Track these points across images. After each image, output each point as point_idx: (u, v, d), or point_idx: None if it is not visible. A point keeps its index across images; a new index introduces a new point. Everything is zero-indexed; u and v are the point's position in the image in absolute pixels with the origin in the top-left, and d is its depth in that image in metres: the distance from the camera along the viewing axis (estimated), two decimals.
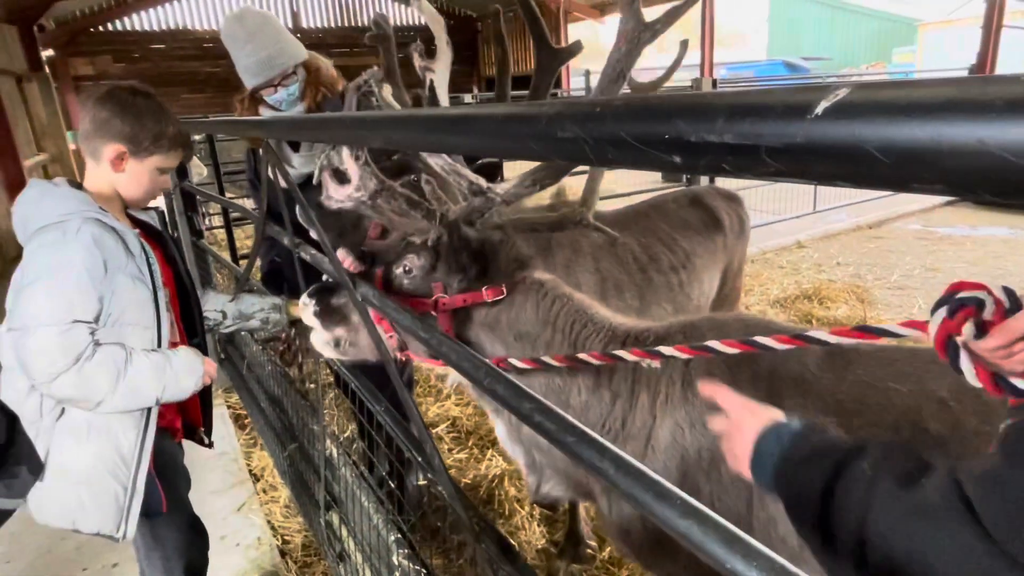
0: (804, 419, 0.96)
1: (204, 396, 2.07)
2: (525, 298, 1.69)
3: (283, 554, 2.84)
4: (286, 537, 2.97)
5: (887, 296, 5.80)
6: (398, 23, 20.40)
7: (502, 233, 1.74)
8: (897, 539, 0.67)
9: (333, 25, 19.76)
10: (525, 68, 20.03)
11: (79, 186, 1.73)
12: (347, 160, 1.55)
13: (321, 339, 1.79)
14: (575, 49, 1.83)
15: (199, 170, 7.50)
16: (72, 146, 12.12)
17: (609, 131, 0.55)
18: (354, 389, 1.97)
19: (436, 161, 1.67)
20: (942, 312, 0.81)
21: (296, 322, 2.38)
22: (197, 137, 5.99)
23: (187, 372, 1.72)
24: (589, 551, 2.78)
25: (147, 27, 17.95)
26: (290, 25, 18.25)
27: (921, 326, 0.86)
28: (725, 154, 0.46)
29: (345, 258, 1.70)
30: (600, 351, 1.57)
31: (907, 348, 1.43)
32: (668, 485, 0.70)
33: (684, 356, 1.25)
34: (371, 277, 1.71)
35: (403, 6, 20.37)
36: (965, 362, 0.79)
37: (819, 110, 0.40)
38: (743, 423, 1.01)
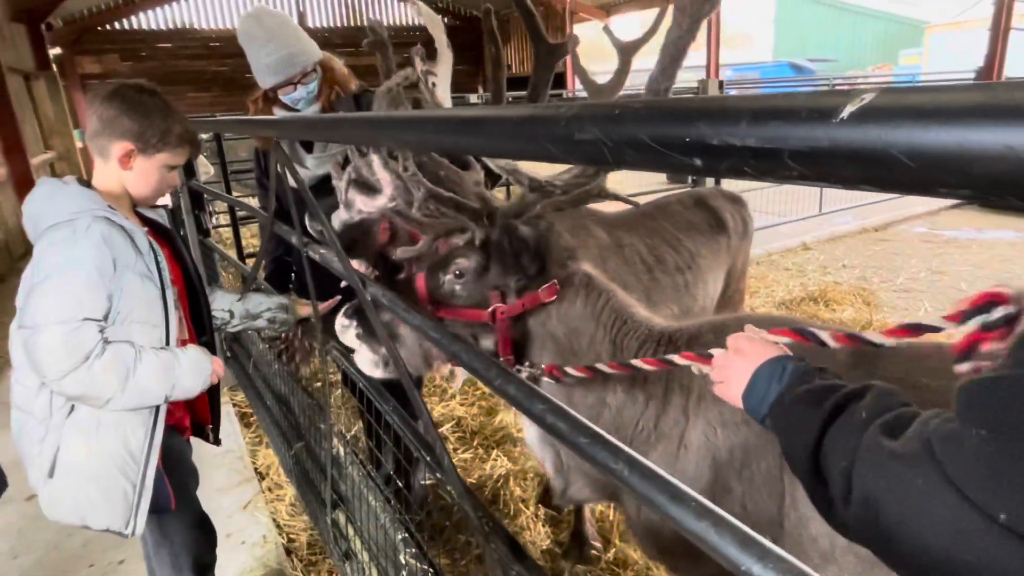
0: (806, 359, 0.96)
1: (212, 394, 2.08)
2: (576, 293, 1.65)
3: (288, 552, 2.84)
4: (291, 535, 2.98)
5: (893, 299, 5.78)
6: (403, 23, 20.46)
7: (546, 223, 1.66)
8: (875, 484, 0.68)
9: (338, 25, 19.80)
10: (529, 68, 19.98)
11: (88, 184, 1.74)
12: (379, 170, 1.50)
13: (368, 360, 1.73)
14: (572, 44, 1.79)
15: (205, 169, 7.54)
16: (79, 144, 12.19)
17: (629, 133, 0.55)
18: (362, 388, 1.98)
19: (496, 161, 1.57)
20: (978, 322, 0.85)
21: (303, 321, 2.39)
22: (204, 136, 6.01)
23: (195, 371, 1.73)
24: (594, 552, 2.78)
25: (154, 26, 18.01)
26: None
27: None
28: (748, 157, 0.46)
29: (359, 266, 1.68)
30: (637, 350, 1.56)
31: (935, 343, 1.40)
32: (682, 487, 0.70)
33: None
34: (409, 284, 1.65)
35: (409, 6, 20.39)
36: (967, 366, 0.85)
37: (845, 114, 0.40)
38: (743, 350, 1.01)
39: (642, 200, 3.42)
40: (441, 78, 2.14)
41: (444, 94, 2.18)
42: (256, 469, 3.46)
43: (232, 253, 4.63)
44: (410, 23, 20.49)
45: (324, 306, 2.29)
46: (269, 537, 2.88)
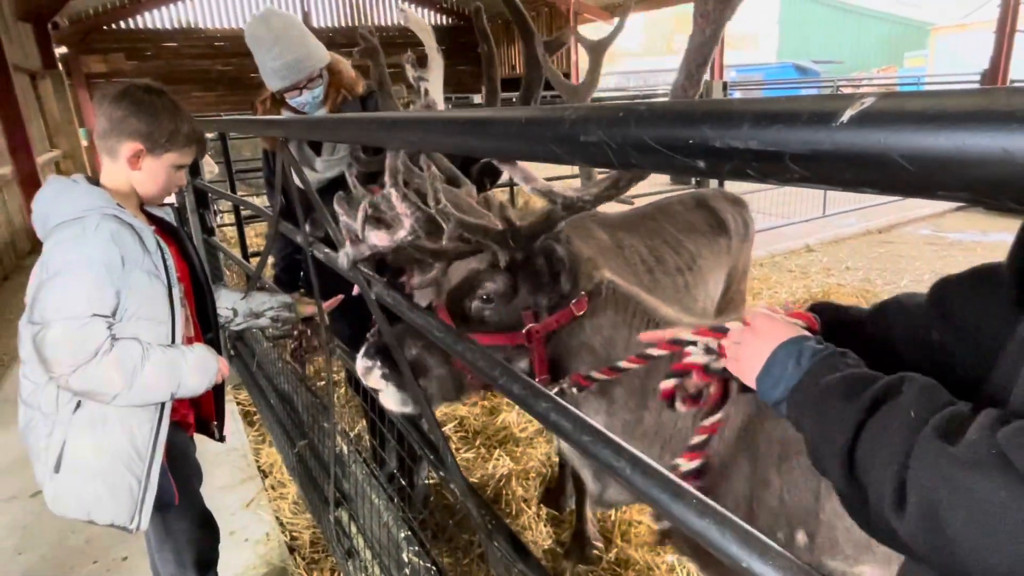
0: (826, 342, 0.90)
1: (217, 391, 2.09)
2: (606, 302, 1.63)
3: (291, 550, 2.85)
4: (294, 533, 2.99)
5: None
6: (403, 23, 20.45)
7: (565, 235, 1.63)
8: (939, 494, 0.62)
9: (343, 24, 19.84)
10: None
11: (97, 183, 1.76)
12: (398, 204, 1.47)
13: (396, 400, 1.67)
14: (563, 39, 1.77)
15: (210, 168, 7.57)
16: (84, 143, 12.24)
17: (633, 135, 0.56)
18: (365, 387, 1.98)
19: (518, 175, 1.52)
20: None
21: (307, 320, 2.40)
22: (210, 135, 6.03)
23: (201, 369, 1.74)
24: (596, 552, 2.79)
25: (159, 25, 18.07)
26: None
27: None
28: (750, 160, 0.47)
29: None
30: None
31: None
32: (684, 485, 0.71)
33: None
34: (429, 312, 1.58)
35: (413, 6, 20.46)
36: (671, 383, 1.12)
37: (845, 118, 0.41)
38: (759, 329, 0.94)
39: (646, 201, 3.44)
40: (433, 83, 2.15)
41: (437, 98, 2.18)
42: (259, 467, 3.48)
43: (236, 252, 4.65)
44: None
45: (328, 304, 2.30)
46: (272, 535, 2.89)
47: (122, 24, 17.51)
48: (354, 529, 2.43)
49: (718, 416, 1.13)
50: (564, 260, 1.55)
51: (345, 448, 2.42)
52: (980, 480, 0.59)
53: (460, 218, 1.43)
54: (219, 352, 1.94)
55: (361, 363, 1.68)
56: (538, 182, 1.30)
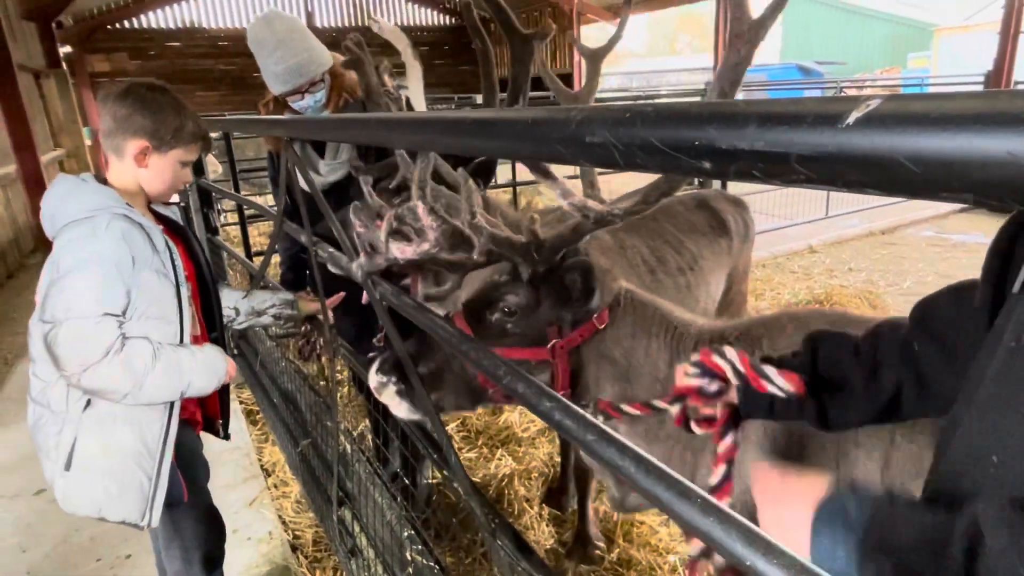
0: (863, 485, 0.85)
1: (222, 390, 2.10)
2: (624, 312, 1.64)
3: (294, 549, 2.86)
4: (297, 532, 3.00)
5: (899, 302, 5.77)
6: (412, 23, 20.51)
7: (583, 248, 1.62)
8: None
9: (347, 24, 19.85)
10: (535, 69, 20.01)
11: (105, 182, 1.77)
12: (424, 217, 1.46)
13: (406, 411, 1.64)
14: (546, 32, 1.75)
15: (214, 167, 7.58)
16: (87, 142, 12.27)
17: (639, 136, 0.56)
18: (369, 386, 1.99)
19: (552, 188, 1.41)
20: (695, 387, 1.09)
21: (310, 318, 2.41)
22: (214, 135, 6.04)
23: (210, 370, 1.76)
24: (598, 552, 2.79)
25: (163, 24, 18.10)
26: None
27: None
28: (755, 161, 0.47)
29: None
30: (692, 352, 1.56)
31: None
32: (688, 483, 0.71)
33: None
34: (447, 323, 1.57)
35: (416, 6, 20.48)
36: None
37: (851, 120, 0.41)
38: (781, 499, 0.83)
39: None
40: (414, 90, 2.16)
41: (419, 104, 2.19)
42: (262, 466, 3.49)
43: (240, 251, 4.67)
44: (418, 23, 20.57)
45: (330, 302, 2.31)
46: (275, 533, 2.90)
47: (126, 23, 17.55)
48: (357, 528, 2.44)
49: (728, 442, 1.09)
50: (596, 275, 1.53)
51: (348, 447, 2.42)
52: None
53: (492, 232, 1.42)
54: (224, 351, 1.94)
55: (375, 379, 1.64)
56: (575, 197, 1.30)
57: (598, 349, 1.62)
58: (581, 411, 0.90)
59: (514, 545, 1.23)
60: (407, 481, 2.14)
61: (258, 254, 4.93)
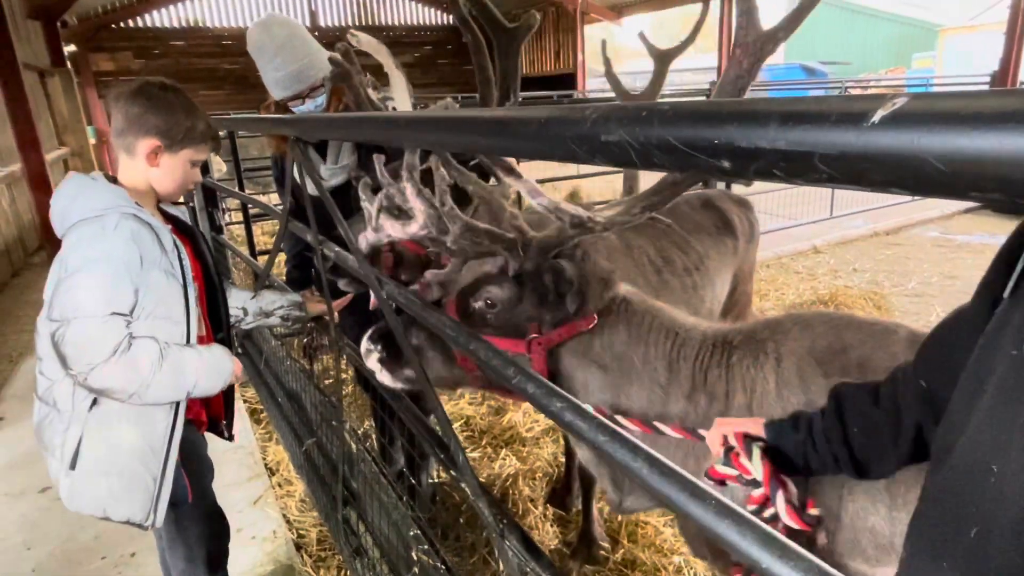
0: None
1: (227, 390, 2.10)
2: (617, 319, 1.63)
3: (298, 548, 2.86)
4: (301, 531, 3.00)
5: (904, 303, 5.75)
6: (414, 23, 20.53)
7: (582, 251, 1.64)
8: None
9: (351, 24, 19.86)
10: (539, 69, 20.06)
11: (115, 181, 1.77)
12: (412, 199, 1.48)
13: (388, 378, 1.73)
14: (531, 22, 1.74)
15: (218, 166, 7.60)
16: (92, 140, 12.30)
17: (656, 135, 0.56)
18: (375, 385, 1.99)
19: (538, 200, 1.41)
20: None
21: (317, 319, 2.40)
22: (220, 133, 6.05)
23: (217, 370, 1.76)
24: (602, 552, 2.79)
25: (167, 24, 18.15)
26: (307, 24, 18.37)
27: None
28: (777, 160, 0.47)
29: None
30: (695, 357, 1.56)
31: None
32: (702, 485, 0.71)
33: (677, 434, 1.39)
34: (440, 307, 1.63)
35: (419, 5, 20.49)
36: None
37: (876, 118, 0.41)
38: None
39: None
40: (399, 99, 2.16)
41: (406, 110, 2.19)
42: (266, 465, 3.49)
43: (244, 250, 4.67)
44: (421, 23, 20.59)
45: (338, 303, 2.31)
46: (279, 532, 2.90)
47: (130, 22, 17.60)
48: (362, 527, 2.44)
49: (763, 491, 1.17)
50: (572, 281, 1.54)
51: (354, 446, 2.42)
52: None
53: (467, 222, 1.43)
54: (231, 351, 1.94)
55: (364, 344, 1.73)
56: (544, 198, 1.30)
57: (583, 352, 1.63)
58: (591, 411, 0.90)
59: (523, 546, 1.22)
60: (412, 480, 2.13)
61: (263, 253, 4.93)
